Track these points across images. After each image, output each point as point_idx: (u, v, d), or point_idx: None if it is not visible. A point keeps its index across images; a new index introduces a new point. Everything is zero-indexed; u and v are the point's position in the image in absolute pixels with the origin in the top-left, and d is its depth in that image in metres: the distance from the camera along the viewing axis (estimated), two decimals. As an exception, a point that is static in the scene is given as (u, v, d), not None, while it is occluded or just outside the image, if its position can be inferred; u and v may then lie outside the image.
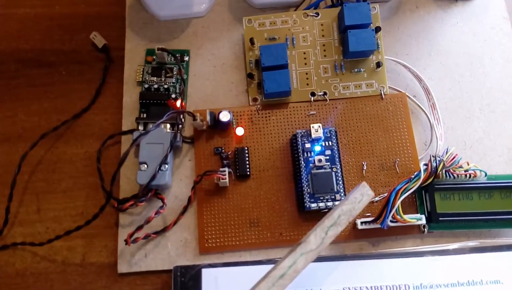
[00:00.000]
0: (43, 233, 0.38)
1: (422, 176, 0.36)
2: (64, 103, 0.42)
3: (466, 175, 0.38)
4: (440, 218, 0.37)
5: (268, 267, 0.36)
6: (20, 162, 0.38)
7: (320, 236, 0.30)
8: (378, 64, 0.41)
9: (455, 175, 0.38)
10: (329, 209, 0.37)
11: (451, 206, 0.37)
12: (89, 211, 0.38)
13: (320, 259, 0.37)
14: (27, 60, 0.43)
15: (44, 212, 0.39)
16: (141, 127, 0.39)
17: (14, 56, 0.44)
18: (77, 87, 0.43)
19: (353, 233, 0.38)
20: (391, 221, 0.36)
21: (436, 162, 0.37)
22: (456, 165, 0.38)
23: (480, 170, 0.38)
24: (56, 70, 0.43)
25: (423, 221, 0.37)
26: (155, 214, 0.35)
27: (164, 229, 0.37)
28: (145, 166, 0.37)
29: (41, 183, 0.39)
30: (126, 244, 0.34)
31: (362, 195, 0.31)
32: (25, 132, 0.41)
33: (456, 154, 0.38)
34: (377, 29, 0.41)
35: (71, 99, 0.42)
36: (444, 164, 0.37)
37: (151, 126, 0.38)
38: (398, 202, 0.36)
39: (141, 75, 0.41)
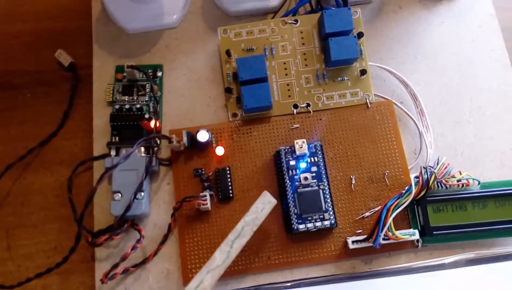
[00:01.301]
0: (14, 272, 0.35)
1: (414, 190, 0.34)
2: (30, 128, 0.39)
3: (458, 185, 0.37)
4: (434, 232, 0.35)
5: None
6: (-16, 197, 0.35)
7: (225, 251, 0.30)
8: (363, 72, 0.39)
9: (447, 186, 0.36)
10: (318, 229, 0.35)
11: (444, 219, 0.36)
12: (63, 245, 0.36)
13: (310, 283, 0.35)
14: (-12, 83, 0.41)
15: (14, 249, 0.36)
16: (113, 152, 0.36)
17: (-26, 79, 0.41)
18: (44, 110, 0.40)
19: (344, 252, 0.36)
20: (383, 239, 0.34)
21: (427, 174, 0.35)
22: (448, 175, 0.36)
23: (473, 179, 0.37)
24: (20, 93, 0.40)
25: (417, 236, 0.35)
26: (132, 249, 0.32)
27: (144, 261, 0.35)
28: (119, 195, 0.34)
29: (9, 218, 0.37)
30: (103, 283, 0.32)
31: (264, 204, 0.32)
32: (-10, 162, 0.38)
33: (448, 164, 0.36)
34: (360, 35, 0.39)
35: (37, 124, 0.39)
36: (435, 176, 0.35)
37: (124, 151, 0.36)
38: (390, 219, 0.34)
39: (111, 95, 0.38)
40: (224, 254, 0.31)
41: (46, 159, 0.38)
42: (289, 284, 0.35)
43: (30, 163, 0.38)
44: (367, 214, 0.37)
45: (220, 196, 0.36)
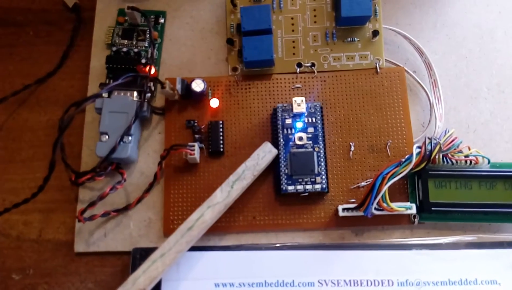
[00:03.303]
0: (-2, 205, 0.35)
1: (414, 160, 0.32)
2: (29, 66, 0.39)
3: (466, 161, 0.34)
4: (432, 208, 0.33)
5: (237, 253, 0.33)
6: (-25, 127, 0.35)
7: (225, 190, 0.32)
8: (375, 33, 0.36)
9: (454, 161, 0.34)
10: (309, 192, 0.33)
11: (446, 195, 0.33)
12: (49, 184, 0.35)
13: (294, 247, 0.33)
14: (-8, 18, 0.40)
15: (1, 183, 0.36)
16: (105, 94, 0.35)
17: (-21, 14, 0.40)
18: (45, 49, 0.39)
19: (334, 220, 0.34)
20: (376, 209, 0.32)
21: (431, 144, 0.32)
22: (455, 149, 0.33)
23: (483, 157, 0.34)
24: (22, 31, 0.40)
25: (413, 211, 0.33)
26: (111, 189, 0.32)
27: (127, 207, 0.34)
28: (106, 137, 0.33)
29: (-1, 152, 0.37)
30: (79, 221, 0.31)
31: (265, 153, 0.33)
32: (-14, 96, 0.38)
33: (456, 137, 0.33)
34: (375, -7, 0.36)
35: (37, 62, 0.39)
36: (440, 147, 0.32)
37: (115, 93, 0.35)
38: (385, 188, 0.32)
39: (110, 37, 0.37)
40: (224, 193, 0.32)
41: (42, 98, 0.38)
42: (272, 245, 0.33)
43: (25, 100, 0.38)
44: (363, 183, 0.35)
45: (210, 150, 0.35)
